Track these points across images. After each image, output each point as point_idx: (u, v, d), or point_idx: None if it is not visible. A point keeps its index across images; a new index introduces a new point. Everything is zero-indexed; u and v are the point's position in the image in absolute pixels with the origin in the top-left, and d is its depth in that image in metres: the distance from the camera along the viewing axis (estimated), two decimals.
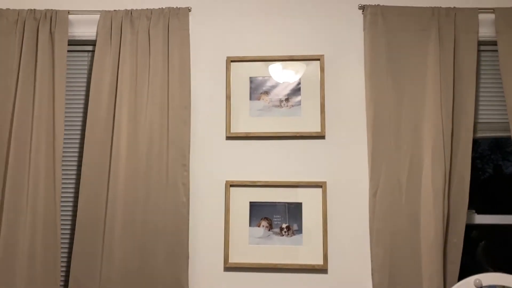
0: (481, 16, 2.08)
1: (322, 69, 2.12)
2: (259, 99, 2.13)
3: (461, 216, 1.96)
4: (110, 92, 2.09)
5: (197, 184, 2.09)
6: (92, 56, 2.16)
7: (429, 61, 2.04)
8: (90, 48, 2.23)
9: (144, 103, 2.09)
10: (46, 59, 2.12)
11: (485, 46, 2.13)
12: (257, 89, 2.14)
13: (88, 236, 2.01)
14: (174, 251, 2.00)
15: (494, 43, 2.09)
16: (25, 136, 2.07)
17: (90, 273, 1.99)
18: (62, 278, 2.04)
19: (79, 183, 2.05)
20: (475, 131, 2.06)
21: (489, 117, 2.13)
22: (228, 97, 2.13)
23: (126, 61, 2.10)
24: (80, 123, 2.18)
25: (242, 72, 2.15)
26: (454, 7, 2.08)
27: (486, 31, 2.10)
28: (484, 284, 1.90)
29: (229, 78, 2.14)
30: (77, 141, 2.18)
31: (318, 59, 2.12)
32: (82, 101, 2.19)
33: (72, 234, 2.06)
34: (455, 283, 1.91)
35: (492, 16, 2.09)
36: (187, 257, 2.00)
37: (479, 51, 2.08)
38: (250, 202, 2.07)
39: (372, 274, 1.96)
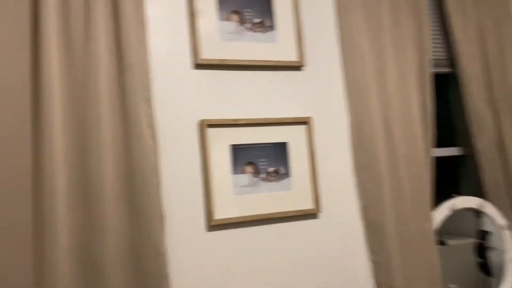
0: None
1: None
2: (229, 20, 1.75)
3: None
4: None
5: (162, 124, 1.61)
6: None
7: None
8: None
9: (80, 10, 1.49)
10: None
11: None
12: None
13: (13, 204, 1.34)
14: (143, 212, 1.49)
15: None
16: None
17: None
18: None
19: None
20: None
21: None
22: (194, 14, 1.68)
23: None
24: None
25: None
26: None
27: None
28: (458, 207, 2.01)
29: None
30: None
31: None
32: None
33: None
34: None
35: None
36: (162, 218, 1.52)
37: None
38: (232, 145, 1.69)
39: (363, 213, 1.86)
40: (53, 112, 1.41)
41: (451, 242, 2.16)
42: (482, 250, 2.16)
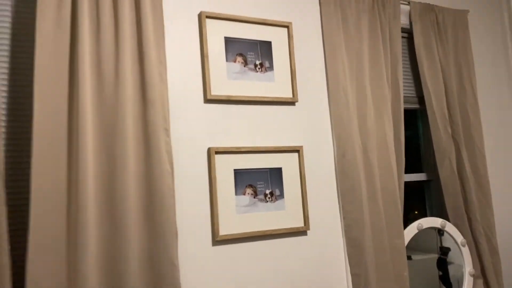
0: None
1: (291, 37, 2.14)
2: (235, 61, 2.01)
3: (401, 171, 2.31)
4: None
5: (176, 150, 1.84)
6: None
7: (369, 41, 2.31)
8: None
9: (110, 54, 1.71)
10: None
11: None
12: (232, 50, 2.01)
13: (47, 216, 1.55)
14: (160, 228, 1.71)
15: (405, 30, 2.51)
16: None
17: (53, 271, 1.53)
18: None
19: None
20: None
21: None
22: (206, 56, 1.93)
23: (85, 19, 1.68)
24: None
25: (217, 31, 1.98)
26: None
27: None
28: (424, 226, 2.31)
29: (205, 34, 1.94)
30: None
31: (287, 26, 2.14)
32: None
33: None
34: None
35: (407, 7, 2.52)
36: (176, 234, 1.74)
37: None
38: (235, 170, 1.94)
39: (345, 231, 2.12)
40: (86, 141, 1.61)
41: (416, 257, 2.44)
42: (442, 264, 2.45)
